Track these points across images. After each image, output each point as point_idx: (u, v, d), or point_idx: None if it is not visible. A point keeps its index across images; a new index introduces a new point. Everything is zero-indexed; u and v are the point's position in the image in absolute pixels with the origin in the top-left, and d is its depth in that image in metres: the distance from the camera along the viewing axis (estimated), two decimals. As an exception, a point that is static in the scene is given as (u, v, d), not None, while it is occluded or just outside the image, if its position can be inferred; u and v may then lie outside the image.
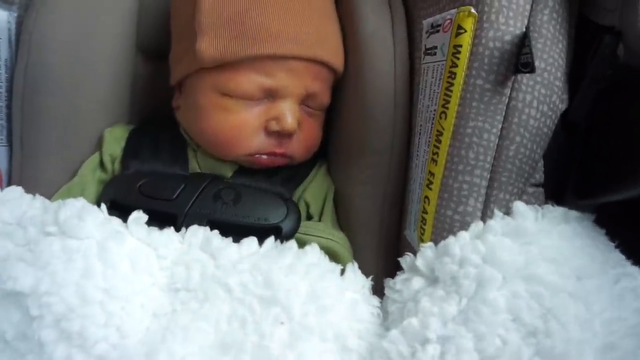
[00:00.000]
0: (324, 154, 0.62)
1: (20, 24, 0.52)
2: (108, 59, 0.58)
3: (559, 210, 0.44)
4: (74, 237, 0.40)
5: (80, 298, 0.38)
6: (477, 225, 0.43)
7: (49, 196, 0.50)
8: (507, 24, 0.42)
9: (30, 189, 0.46)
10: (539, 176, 0.46)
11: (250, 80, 0.52)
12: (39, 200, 0.44)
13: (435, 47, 0.46)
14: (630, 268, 0.41)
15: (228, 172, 0.56)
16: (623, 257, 0.42)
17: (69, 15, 0.53)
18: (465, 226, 0.43)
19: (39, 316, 0.37)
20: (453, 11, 0.43)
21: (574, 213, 0.44)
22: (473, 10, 0.42)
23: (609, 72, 0.43)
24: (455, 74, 0.43)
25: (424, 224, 0.46)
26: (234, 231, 0.46)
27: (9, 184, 0.53)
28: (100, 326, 0.37)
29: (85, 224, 0.41)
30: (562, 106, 0.45)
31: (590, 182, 0.46)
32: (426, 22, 0.47)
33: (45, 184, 0.52)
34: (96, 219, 0.42)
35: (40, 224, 0.41)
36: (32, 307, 0.37)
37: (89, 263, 0.39)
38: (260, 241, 0.45)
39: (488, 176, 0.43)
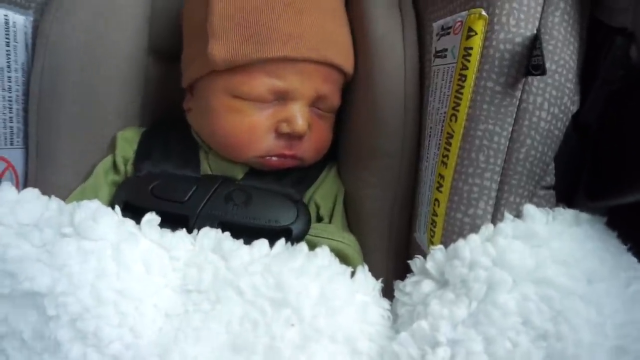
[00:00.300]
0: (334, 156, 0.62)
1: (36, 28, 0.53)
2: (121, 62, 0.58)
3: (570, 213, 0.43)
4: (89, 238, 0.41)
5: (95, 299, 0.38)
6: (487, 228, 0.43)
7: (64, 198, 0.50)
8: (518, 26, 0.41)
9: (45, 190, 0.47)
10: (550, 179, 0.45)
11: (261, 83, 0.52)
12: (55, 202, 0.45)
13: (446, 50, 0.46)
14: (642, 271, 0.40)
15: (239, 173, 0.56)
16: (635, 260, 0.41)
17: (83, 20, 0.54)
18: (475, 229, 0.43)
19: (55, 316, 0.38)
20: (464, 13, 0.43)
21: (585, 215, 0.43)
22: (484, 13, 0.42)
23: (620, 73, 0.43)
24: (465, 76, 0.43)
25: (434, 227, 0.46)
26: (245, 233, 0.47)
27: (25, 185, 0.54)
28: (114, 326, 0.38)
29: (100, 225, 0.42)
30: (574, 108, 0.45)
31: (602, 184, 0.46)
32: (436, 25, 0.48)
33: (60, 185, 0.53)
34: (110, 221, 0.43)
35: (57, 226, 0.42)
36: (49, 307, 0.38)
37: (104, 264, 0.40)
38: (271, 243, 0.45)
39: (498, 179, 0.43)
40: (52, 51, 0.52)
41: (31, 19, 0.53)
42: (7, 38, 0.51)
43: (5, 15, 0.51)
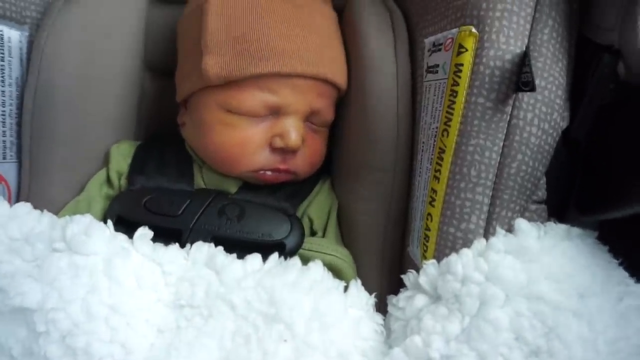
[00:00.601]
0: (327, 170, 0.63)
1: (31, 43, 0.54)
2: (116, 77, 0.59)
3: (561, 228, 0.44)
4: (81, 253, 0.41)
5: (86, 314, 0.38)
6: (479, 243, 0.43)
7: (56, 212, 0.50)
8: (508, 43, 0.42)
9: (38, 204, 0.47)
10: (541, 193, 0.46)
11: (254, 98, 0.53)
12: (47, 217, 0.45)
13: (437, 66, 0.46)
14: (634, 286, 0.41)
15: (232, 187, 0.56)
16: (626, 274, 0.42)
17: (78, 35, 0.54)
18: (467, 243, 0.43)
19: (45, 332, 0.37)
20: (454, 30, 0.44)
21: (576, 230, 0.44)
22: (474, 30, 0.42)
23: (610, 87, 0.44)
24: (456, 92, 0.43)
25: (427, 241, 0.46)
26: (238, 247, 0.46)
27: (18, 200, 0.54)
28: (105, 342, 0.38)
29: (92, 240, 0.41)
30: (563, 124, 0.45)
31: (592, 199, 0.47)
32: (428, 41, 0.48)
33: (53, 199, 0.53)
34: (102, 235, 0.43)
35: (48, 240, 0.41)
36: (39, 323, 0.37)
37: (95, 279, 0.40)
38: (264, 257, 0.45)
39: (490, 194, 0.44)
40: (47, 66, 0.53)
41: (26, 34, 0.54)
42: (1, 53, 0.51)
43: (0, 31, 0.51)
